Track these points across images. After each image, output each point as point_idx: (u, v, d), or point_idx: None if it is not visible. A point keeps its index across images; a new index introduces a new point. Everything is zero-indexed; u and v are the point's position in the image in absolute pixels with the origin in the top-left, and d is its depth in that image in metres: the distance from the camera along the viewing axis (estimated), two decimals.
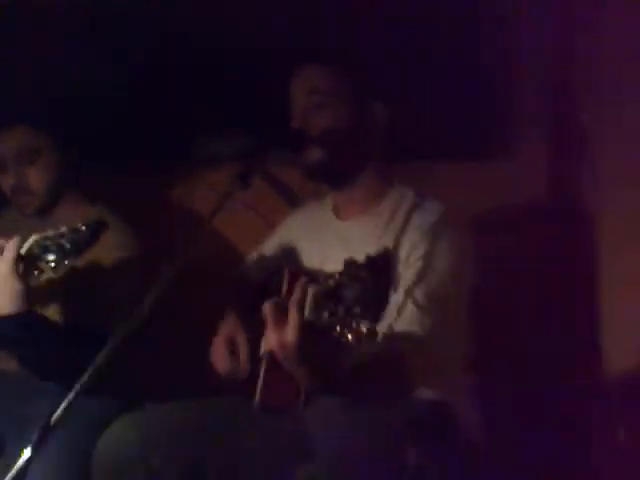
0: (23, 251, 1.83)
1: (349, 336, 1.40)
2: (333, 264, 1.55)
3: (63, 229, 1.81)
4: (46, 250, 1.81)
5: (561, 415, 2.16)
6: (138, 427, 1.76)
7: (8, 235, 1.87)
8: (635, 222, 2.04)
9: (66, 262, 1.80)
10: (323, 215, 2.04)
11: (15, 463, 1.53)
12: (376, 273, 1.42)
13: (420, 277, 1.76)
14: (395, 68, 2.12)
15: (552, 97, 2.32)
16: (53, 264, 1.80)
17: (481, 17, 2.28)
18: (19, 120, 2.24)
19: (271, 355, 1.66)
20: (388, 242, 1.80)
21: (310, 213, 2.10)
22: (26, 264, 1.83)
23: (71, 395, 1.58)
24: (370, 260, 1.43)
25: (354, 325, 1.40)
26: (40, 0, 2.41)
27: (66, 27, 2.42)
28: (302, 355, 1.50)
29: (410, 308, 1.74)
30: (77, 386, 1.58)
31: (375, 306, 1.41)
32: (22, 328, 1.86)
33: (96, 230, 1.81)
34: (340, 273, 1.44)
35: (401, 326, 1.72)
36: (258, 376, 1.77)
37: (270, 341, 1.53)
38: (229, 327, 1.94)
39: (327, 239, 1.95)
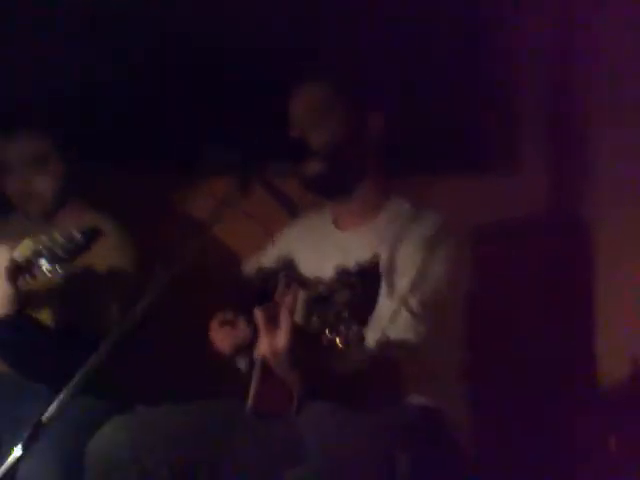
0: (16, 255, 1.83)
1: (337, 340, 1.41)
2: (331, 274, 1.54)
3: (57, 235, 1.81)
4: (39, 255, 1.81)
5: (558, 422, 2.18)
6: (129, 429, 1.77)
7: (13, 239, 1.88)
8: (631, 236, 2.04)
9: (58, 268, 1.81)
10: (323, 225, 2.04)
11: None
12: (366, 279, 1.44)
13: (415, 285, 1.76)
14: (394, 78, 2.13)
15: (552, 97, 2.32)
16: (45, 269, 1.81)
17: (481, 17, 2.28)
18: (24, 124, 2.23)
19: (263, 361, 1.67)
20: (385, 252, 1.79)
21: (309, 223, 2.10)
22: (19, 268, 1.83)
23: (63, 394, 1.58)
24: (360, 267, 1.45)
25: (342, 329, 1.41)
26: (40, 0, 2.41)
27: (66, 27, 2.41)
28: (293, 359, 1.51)
29: (404, 315, 1.74)
30: (69, 387, 1.59)
31: (364, 311, 1.42)
32: (11, 330, 1.87)
33: (90, 237, 1.81)
34: (331, 279, 1.46)
35: (396, 333, 1.71)
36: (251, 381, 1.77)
37: (262, 346, 1.55)
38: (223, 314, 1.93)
39: (326, 249, 1.94)
